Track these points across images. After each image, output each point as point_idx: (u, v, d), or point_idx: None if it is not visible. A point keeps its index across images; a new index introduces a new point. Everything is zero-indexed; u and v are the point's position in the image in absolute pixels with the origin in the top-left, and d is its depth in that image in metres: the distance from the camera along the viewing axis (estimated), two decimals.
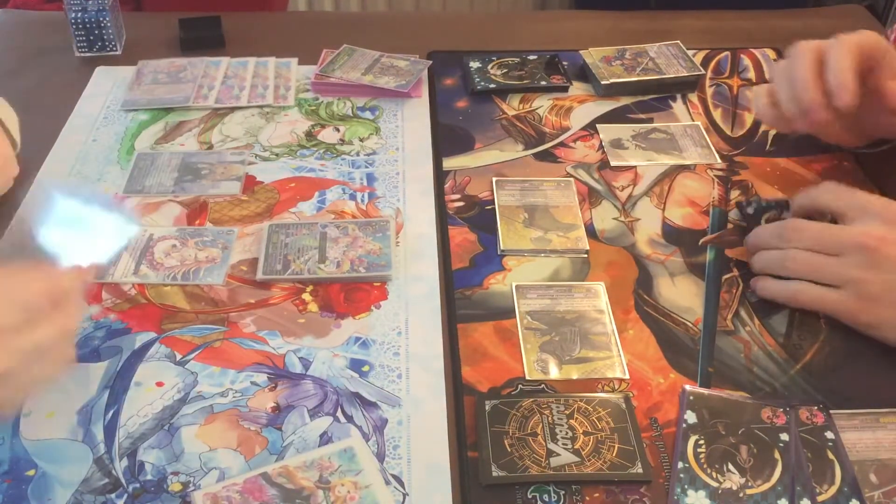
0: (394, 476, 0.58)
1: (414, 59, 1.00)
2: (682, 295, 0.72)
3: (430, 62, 1.01)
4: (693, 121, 0.94)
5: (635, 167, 0.87)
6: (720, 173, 0.86)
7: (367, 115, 0.94)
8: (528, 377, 0.65)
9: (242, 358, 0.66)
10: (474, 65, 1.01)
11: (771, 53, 1.06)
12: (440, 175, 0.85)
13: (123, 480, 0.57)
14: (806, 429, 0.61)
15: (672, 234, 0.79)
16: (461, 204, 0.81)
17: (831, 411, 0.62)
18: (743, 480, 0.57)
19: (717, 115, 0.95)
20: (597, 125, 0.93)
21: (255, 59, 1.01)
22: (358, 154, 0.88)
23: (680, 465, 0.58)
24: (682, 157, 0.88)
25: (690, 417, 0.61)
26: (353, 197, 0.82)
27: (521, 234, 0.77)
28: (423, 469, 0.59)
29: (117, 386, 0.63)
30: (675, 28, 1.11)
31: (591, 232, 0.78)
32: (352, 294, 0.71)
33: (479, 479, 0.58)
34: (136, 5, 1.27)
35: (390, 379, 0.65)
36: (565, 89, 0.98)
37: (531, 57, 1.03)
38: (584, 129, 0.92)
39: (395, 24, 1.18)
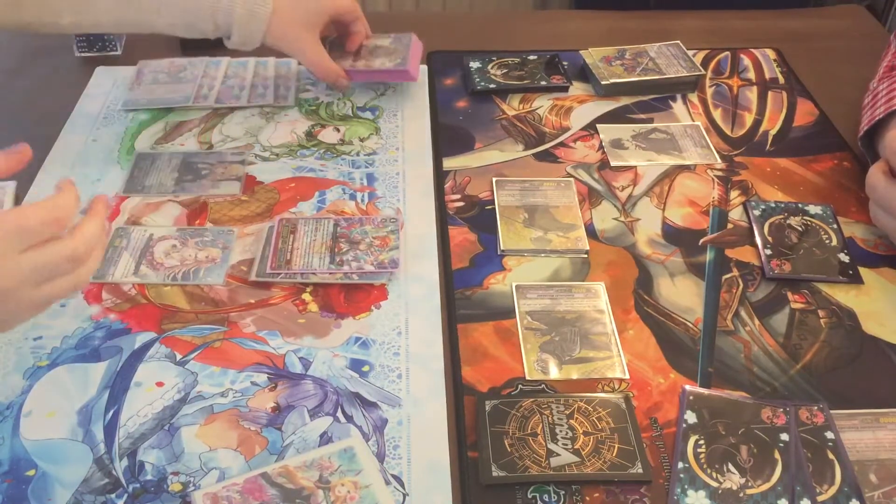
0: (394, 476, 0.58)
1: (394, 35, 0.99)
2: (682, 295, 0.72)
3: (413, 34, 0.98)
4: (693, 121, 0.94)
5: (635, 167, 0.87)
6: (720, 173, 0.86)
7: (367, 115, 0.94)
8: (528, 377, 0.65)
9: (242, 358, 0.66)
10: (474, 65, 1.01)
11: (771, 53, 1.06)
12: (440, 175, 0.85)
13: (123, 480, 0.57)
14: (806, 429, 0.60)
15: (672, 234, 0.79)
16: (461, 204, 0.81)
17: (831, 411, 0.62)
18: (743, 480, 0.57)
19: (717, 115, 0.95)
20: (597, 125, 0.93)
21: (255, 59, 1.01)
22: (358, 154, 0.88)
23: (680, 465, 0.58)
24: (682, 158, 0.88)
25: (690, 417, 0.61)
26: (353, 197, 0.82)
27: (521, 234, 0.77)
28: (423, 469, 0.59)
29: (117, 386, 0.63)
30: (675, 28, 1.11)
31: (591, 232, 0.78)
32: (352, 294, 0.71)
33: (479, 479, 0.58)
34: None
35: (390, 379, 0.65)
36: (565, 89, 0.98)
37: (531, 57, 1.03)
38: (584, 129, 0.92)
39: (395, 24, 1.18)
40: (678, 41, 1.04)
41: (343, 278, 0.72)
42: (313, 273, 0.72)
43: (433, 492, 0.57)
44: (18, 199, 0.80)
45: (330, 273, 0.72)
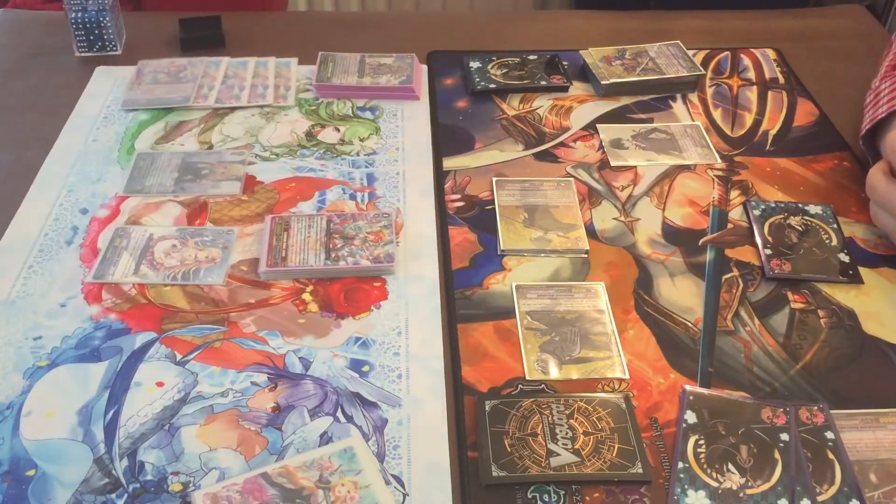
0: (394, 476, 0.58)
1: (396, 55, 1.01)
2: (682, 295, 0.72)
3: (414, 54, 1.01)
4: (693, 121, 0.94)
5: (635, 167, 0.87)
6: (720, 173, 0.86)
7: (367, 114, 0.94)
8: (528, 377, 0.65)
9: (242, 358, 0.66)
10: (474, 65, 1.01)
11: (771, 53, 1.06)
12: (440, 175, 0.85)
13: (123, 480, 0.57)
14: (806, 429, 0.61)
15: (672, 234, 0.79)
16: (461, 204, 0.81)
17: (831, 411, 0.62)
18: (743, 480, 0.57)
19: (717, 115, 0.95)
20: (597, 125, 0.93)
21: (255, 59, 1.01)
22: (358, 154, 0.88)
23: (680, 465, 0.58)
24: (682, 157, 0.88)
25: (690, 417, 0.61)
26: (353, 197, 0.82)
27: (521, 234, 0.77)
28: (423, 469, 0.59)
29: (117, 386, 0.63)
30: (675, 28, 1.12)
31: (591, 232, 0.78)
32: (352, 294, 0.72)
33: (479, 479, 0.58)
34: (136, 5, 1.27)
35: (390, 379, 0.65)
36: (565, 89, 0.98)
37: (531, 57, 1.03)
38: (584, 129, 0.92)
39: (395, 24, 1.18)
40: (678, 41, 1.04)
41: (345, 273, 0.72)
42: (313, 268, 0.72)
43: (433, 492, 0.57)
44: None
45: (328, 267, 0.72)
